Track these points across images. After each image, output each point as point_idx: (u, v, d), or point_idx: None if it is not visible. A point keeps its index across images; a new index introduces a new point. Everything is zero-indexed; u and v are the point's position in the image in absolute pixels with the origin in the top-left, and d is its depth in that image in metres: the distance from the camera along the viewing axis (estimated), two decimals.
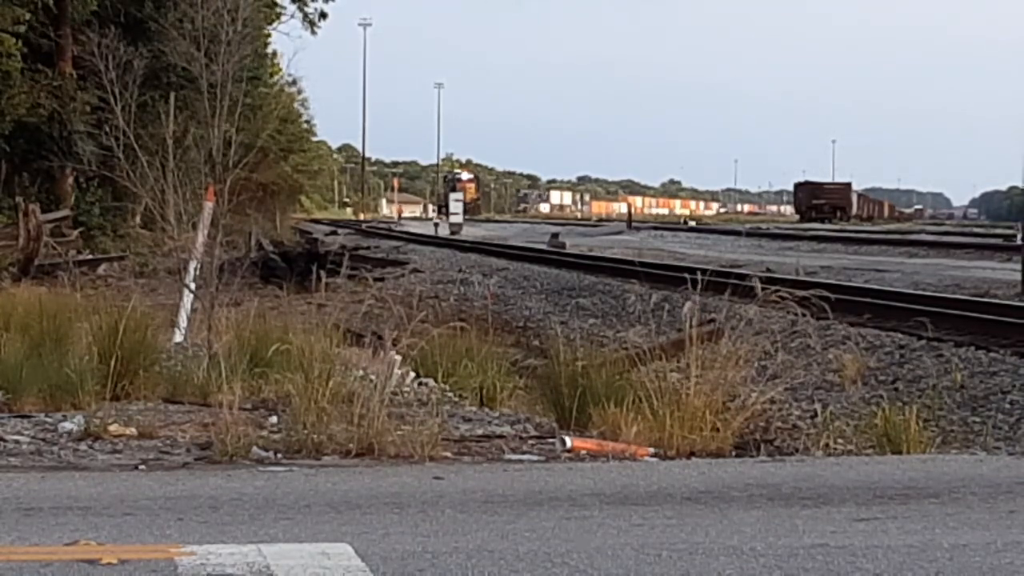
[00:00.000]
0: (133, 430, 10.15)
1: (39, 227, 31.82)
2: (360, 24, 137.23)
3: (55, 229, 35.73)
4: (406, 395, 11.57)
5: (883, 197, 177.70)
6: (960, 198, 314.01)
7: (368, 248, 49.71)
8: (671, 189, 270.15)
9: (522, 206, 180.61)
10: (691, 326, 11.27)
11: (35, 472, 8.78)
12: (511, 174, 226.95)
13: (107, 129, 16.58)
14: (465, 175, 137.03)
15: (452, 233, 64.90)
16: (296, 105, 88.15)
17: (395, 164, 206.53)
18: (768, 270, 24.65)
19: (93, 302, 16.36)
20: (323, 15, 57.88)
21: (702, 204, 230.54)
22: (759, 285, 11.67)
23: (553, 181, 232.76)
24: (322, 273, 16.48)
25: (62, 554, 6.36)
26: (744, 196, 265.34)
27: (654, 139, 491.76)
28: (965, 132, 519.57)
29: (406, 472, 8.82)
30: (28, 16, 38.46)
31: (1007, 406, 13.04)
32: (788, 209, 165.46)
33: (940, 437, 11.68)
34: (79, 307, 15.28)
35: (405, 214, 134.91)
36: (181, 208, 16.09)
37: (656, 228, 77.86)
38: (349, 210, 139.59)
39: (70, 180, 41.80)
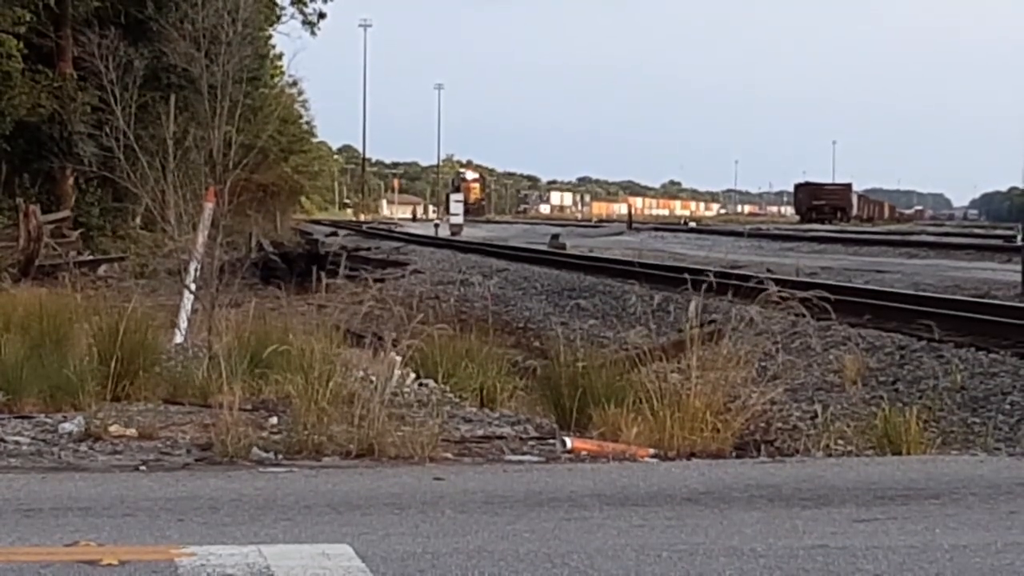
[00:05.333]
0: (133, 431, 10.15)
1: (39, 228, 31.81)
2: (360, 25, 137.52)
3: (55, 230, 35.72)
4: (406, 396, 11.56)
5: (883, 198, 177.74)
6: (960, 199, 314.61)
7: (368, 249, 49.74)
8: (671, 190, 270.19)
9: (522, 207, 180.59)
10: (692, 327, 11.27)
11: (35, 473, 8.78)
12: (511, 175, 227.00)
13: (107, 130, 16.57)
14: (470, 174, 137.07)
15: (452, 234, 64.89)
16: (296, 106, 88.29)
17: (395, 165, 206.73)
18: (769, 271, 24.64)
19: (93, 303, 16.34)
20: (322, 15, 58.09)
21: (702, 205, 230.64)
22: (774, 287, 11.68)
23: (553, 182, 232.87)
24: (322, 274, 16.47)
25: (62, 555, 6.36)
26: (744, 197, 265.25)
27: (654, 139, 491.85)
28: (965, 132, 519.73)
29: (406, 473, 8.82)
30: (29, 17, 38.48)
31: (1007, 407, 13.04)
32: (788, 210, 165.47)
33: (940, 438, 11.69)
34: (79, 308, 15.26)
35: (404, 215, 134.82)
36: (181, 209, 16.10)
37: (656, 229, 77.88)
38: (349, 211, 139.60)
39: (70, 181, 41.81)
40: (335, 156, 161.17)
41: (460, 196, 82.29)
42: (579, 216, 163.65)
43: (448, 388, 12.46)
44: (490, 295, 23.78)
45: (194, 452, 9.61)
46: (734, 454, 10.28)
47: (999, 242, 48.95)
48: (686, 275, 14.71)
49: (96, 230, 41.26)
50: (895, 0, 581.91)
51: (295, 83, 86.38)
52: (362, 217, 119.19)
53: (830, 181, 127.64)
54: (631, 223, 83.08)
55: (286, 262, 33.25)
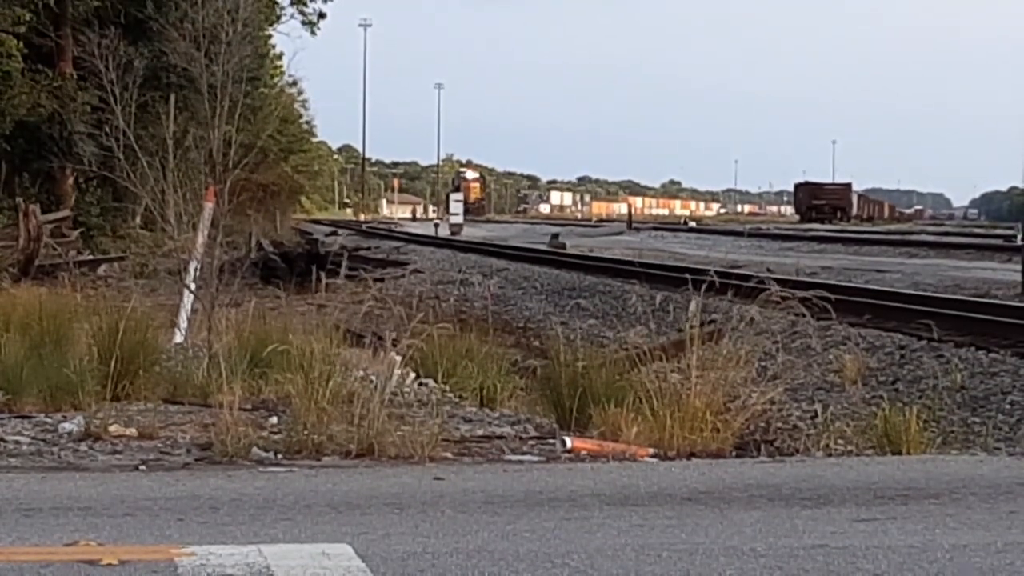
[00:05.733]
0: (133, 431, 10.15)
1: (39, 227, 31.81)
2: (360, 25, 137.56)
3: (55, 230, 35.71)
4: (406, 396, 11.56)
5: (883, 198, 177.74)
6: (960, 198, 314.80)
7: (368, 249, 49.75)
8: (671, 189, 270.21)
9: (522, 207, 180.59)
10: (692, 326, 11.27)
11: (35, 473, 8.78)
12: (511, 175, 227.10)
13: (107, 129, 16.55)
14: (470, 174, 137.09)
15: (452, 234, 64.88)
16: (296, 106, 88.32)
17: (395, 165, 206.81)
18: (769, 270, 24.65)
19: (93, 303, 16.34)
20: (322, 15, 58.16)
21: (702, 204, 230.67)
22: (774, 287, 11.67)
23: (553, 182, 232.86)
24: (322, 274, 16.47)
25: (62, 555, 6.36)
26: (744, 196, 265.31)
27: (654, 139, 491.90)
28: (965, 132, 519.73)
29: (406, 472, 8.82)
30: (29, 17, 38.47)
31: (1007, 407, 13.04)
32: (788, 209, 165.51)
33: (940, 438, 11.68)
34: (79, 308, 15.26)
35: (404, 214, 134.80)
36: (181, 209, 16.09)
37: (656, 229, 77.88)
38: (349, 211, 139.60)
39: (70, 180, 41.82)
40: (335, 156, 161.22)
41: (460, 196, 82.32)
42: (579, 216, 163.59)
43: (448, 388, 12.45)
44: (490, 295, 23.80)
45: (194, 452, 9.61)
46: (734, 454, 10.28)
47: (999, 242, 48.94)
48: (686, 275, 14.70)
49: (96, 230, 41.25)
50: (895, 0, 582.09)
51: (295, 83, 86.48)
52: (362, 217, 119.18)
53: (830, 181, 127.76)
54: (631, 223, 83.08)
55: (286, 262, 33.23)
